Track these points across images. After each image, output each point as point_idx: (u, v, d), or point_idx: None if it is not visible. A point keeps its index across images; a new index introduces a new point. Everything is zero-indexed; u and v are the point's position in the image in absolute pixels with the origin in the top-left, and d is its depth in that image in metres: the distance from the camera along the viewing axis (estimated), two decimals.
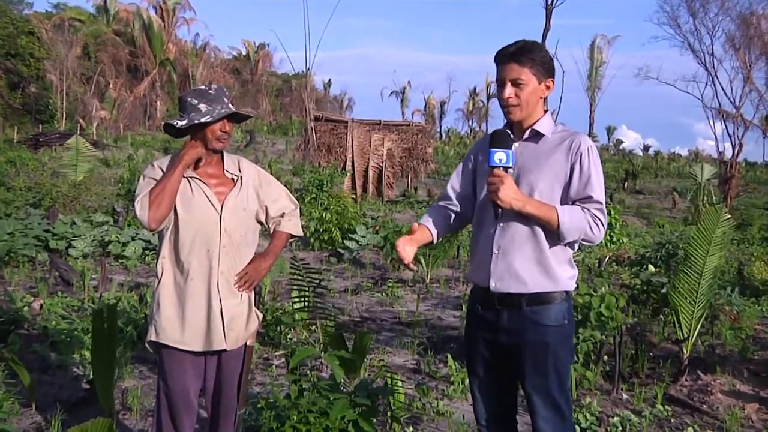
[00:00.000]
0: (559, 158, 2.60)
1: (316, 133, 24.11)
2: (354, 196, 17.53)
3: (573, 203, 2.58)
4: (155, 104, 47.31)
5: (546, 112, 2.71)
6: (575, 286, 2.71)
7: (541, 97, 2.67)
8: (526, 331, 2.60)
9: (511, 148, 2.57)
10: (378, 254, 11.71)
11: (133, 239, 10.47)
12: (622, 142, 63.91)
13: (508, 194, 2.52)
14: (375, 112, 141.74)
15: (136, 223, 12.63)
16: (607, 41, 55.63)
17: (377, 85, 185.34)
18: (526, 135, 2.68)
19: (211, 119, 2.90)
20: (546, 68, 2.64)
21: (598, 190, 2.56)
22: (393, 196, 23.97)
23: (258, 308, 3.25)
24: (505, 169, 2.56)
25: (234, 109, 2.97)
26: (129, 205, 13.71)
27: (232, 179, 3.06)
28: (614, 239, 13.69)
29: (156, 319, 2.95)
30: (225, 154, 3.09)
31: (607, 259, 11.01)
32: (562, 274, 2.62)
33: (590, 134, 54.42)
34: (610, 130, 66.12)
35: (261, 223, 3.18)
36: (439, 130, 69.46)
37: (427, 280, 9.57)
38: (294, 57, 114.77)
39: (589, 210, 2.54)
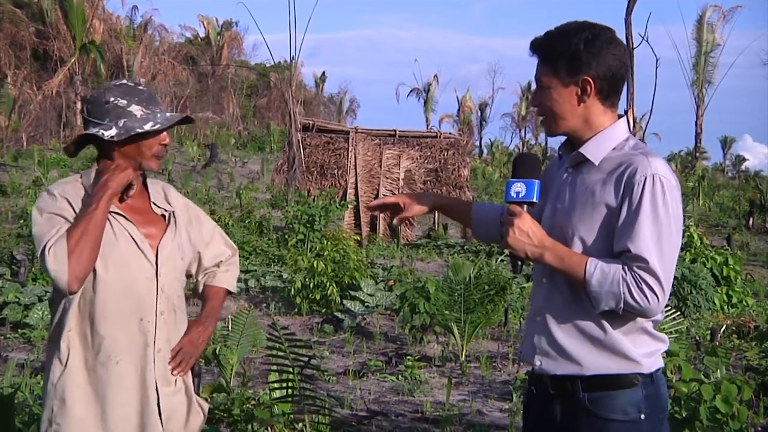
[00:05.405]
0: (608, 195, 2.60)
1: (304, 149, 24.29)
2: (358, 238, 17.56)
3: (618, 256, 2.56)
4: (74, 106, 47.71)
5: (608, 126, 2.69)
6: (660, 364, 2.71)
7: (575, 105, 2.67)
8: (580, 426, 2.64)
9: (537, 178, 2.64)
10: (392, 320, 11.71)
11: (40, 300, 10.52)
12: (744, 159, 64.12)
13: (520, 239, 2.59)
14: (388, 118, 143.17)
15: (45, 277, 12.72)
16: (722, 14, 55.86)
17: (391, 80, 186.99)
18: (572, 161, 2.74)
19: (160, 127, 2.89)
20: (574, 63, 2.62)
21: (645, 241, 2.50)
22: (413, 237, 24.00)
23: (199, 396, 3.24)
24: (524, 204, 2.63)
25: (187, 113, 2.99)
26: (35, 250, 13.76)
27: (162, 216, 3.05)
28: (734, 300, 13.59)
29: (59, 424, 2.86)
30: (147, 179, 3.09)
31: (723, 329, 10.92)
32: (635, 350, 2.62)
33: (696, 148, 54.47)
34: (726, 143, 66.31)
35: (188, 276, 3.19)
36: (478, 143, 69.87)
37: (462, 358, 9.53)
38: (273, 40, 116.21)
39: (631, 269, 2.51)
